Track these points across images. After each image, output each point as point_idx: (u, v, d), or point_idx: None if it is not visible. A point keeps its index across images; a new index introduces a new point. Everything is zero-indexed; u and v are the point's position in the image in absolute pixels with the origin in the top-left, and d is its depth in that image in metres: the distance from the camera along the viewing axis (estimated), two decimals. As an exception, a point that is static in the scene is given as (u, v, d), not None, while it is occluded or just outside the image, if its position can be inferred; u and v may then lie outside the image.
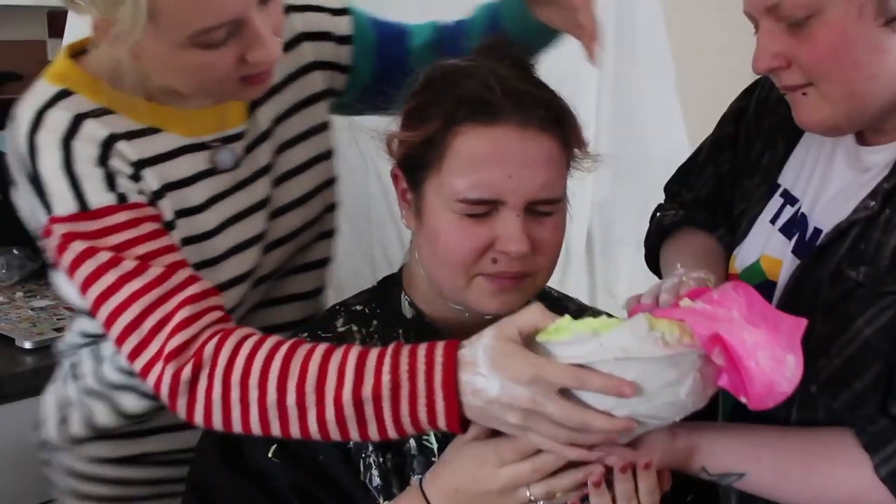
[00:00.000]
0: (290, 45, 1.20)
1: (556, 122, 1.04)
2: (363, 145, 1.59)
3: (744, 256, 1.14)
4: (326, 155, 1.28)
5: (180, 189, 1.12)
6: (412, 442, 1.08)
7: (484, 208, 1.02)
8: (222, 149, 1.15)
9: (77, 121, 1.04)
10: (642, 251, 2.14)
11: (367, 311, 1.16)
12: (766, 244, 1.12)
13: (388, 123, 1.11)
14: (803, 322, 0.88)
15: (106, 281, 1.00)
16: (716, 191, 1.27)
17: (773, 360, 0.86)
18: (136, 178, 1.07)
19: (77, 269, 1.02)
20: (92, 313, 1.03)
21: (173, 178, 1.11)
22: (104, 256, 1.01)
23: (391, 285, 1.18)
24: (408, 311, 1.14)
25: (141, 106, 1.08)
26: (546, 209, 1.04)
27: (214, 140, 1.15)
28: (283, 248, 1.25)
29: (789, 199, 1.12)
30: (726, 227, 1.24)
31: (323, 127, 1.27)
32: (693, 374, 0.88)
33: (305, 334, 1.13)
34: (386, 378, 0.92)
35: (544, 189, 1.03)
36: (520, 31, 1.24)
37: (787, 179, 1.14)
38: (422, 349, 0.93)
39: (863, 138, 1.05)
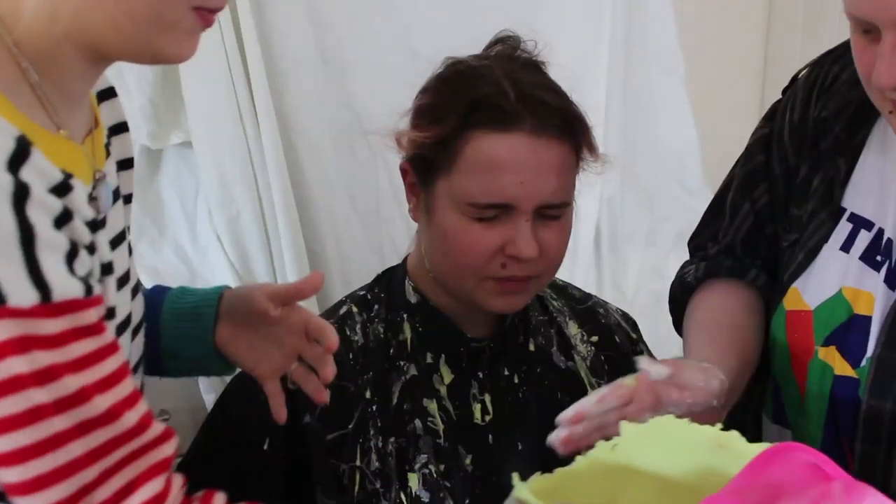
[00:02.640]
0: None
1: (569, 130, 1.06)
2: (372, 139, 1.60)
3: (816, 290, 1.05)
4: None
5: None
6: (417, 423, 1.09)
7: (494, 212, 1.03)
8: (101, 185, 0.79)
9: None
10: (650, 247, 2.15)
11: (369, 296, 1.18)
12: (845, 275, 1.03)
13: (397, 119, 1.11)
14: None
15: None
16: (755, 228, 1.15)
17: None
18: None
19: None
20: None
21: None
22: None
23: (396, 272, 1.19)
24: (412, 297, 1.15)
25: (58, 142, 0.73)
26: (555, 213, 1.05)
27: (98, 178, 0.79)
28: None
29: (862, 223, 1.04)
30: (758, 268, 1.15)
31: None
32: None
33: None
34: None
35: (555, 195, 1.04)
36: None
37: (853, 203, 1.05)
38: None
39: None
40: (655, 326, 1.90)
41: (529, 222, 1.03)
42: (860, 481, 0.72)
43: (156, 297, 1.00)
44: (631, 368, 1.21)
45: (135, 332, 0.86)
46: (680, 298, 1.19)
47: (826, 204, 1.06)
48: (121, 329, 0.80)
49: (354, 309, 1.16)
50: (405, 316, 1.14)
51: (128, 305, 0.83)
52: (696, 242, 1.23)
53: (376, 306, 1.16)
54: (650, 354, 1.26)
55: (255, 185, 1.53)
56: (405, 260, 1.19)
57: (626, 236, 2.02)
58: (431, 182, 1.07)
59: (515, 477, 0.81)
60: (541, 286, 1.11)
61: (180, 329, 0.98)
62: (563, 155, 1.05)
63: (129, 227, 0.87)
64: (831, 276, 1.04)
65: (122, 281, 0.81)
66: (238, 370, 1.15)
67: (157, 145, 1.57)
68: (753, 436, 1.04)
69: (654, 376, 0.94)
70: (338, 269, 1.63)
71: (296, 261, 1.54)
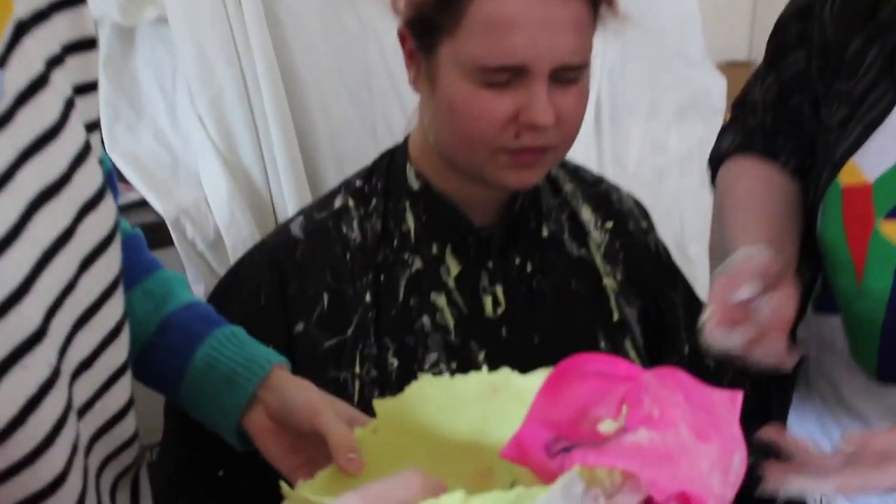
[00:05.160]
0: None
1: None
2: (361, 9, 1.49)
3: (876, 162, 1.00)
4: None
5: None
6: (425, 319, 1.02)
7: (505, 76, 0.93)
8: None
9: None
10: (651, 120, 2.07)
11: (366, 188, 1.08)
12: None
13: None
14: (738, 396, 0.70)
15: None
16: (779, 99, 1.14)
17: (723, 474, 0.67)
18: None
19: None
20: None
21: None
22: None
23: (395, 156, 1.10)
24: (414, 183, 1.06)
25: None
26: (572, 76, 0.95)
27: None
28: None
29: None
30: (790, 152, 1.13)
31: None
32: None
33: (301, 218, 1.06)
34: None
35: (573, 54, 0.93)
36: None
37: None
38: None
39: None
40: (658, 202, 1.85)
41: (545, 86, 0.93)
42: (661, 367, 0.69)
43: (194, 324, 0.87)
44: (644, 258, 1.15)
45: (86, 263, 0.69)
46: (715, 162, 1.21)
47: (887, 75, 0.99)
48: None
49: (351, 202, 1.07)
50: (407, 204, 1.06)
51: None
52: (741, 105, 1.21)
53: (374, 200, 1.07)
54: (662, 247, 1.19)
55: (238, 62, 1.42)
56: (406, 142, 1.10)
57: (627, 109, 1.94)
58: (434, 47, 0.97)
59: (284, 486, 0.71)
60: (557, 159, 1.02)
61: (206, 385, 0.84)
62: (580, 10, 0.94)
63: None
64: (893, 147, 0.98)
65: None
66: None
67: (130, 22, 1.45)
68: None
69: (748, 294, 0.90)
70: (329, 150, 1.53)
71: (284, 141, 1.45)
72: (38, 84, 0.63)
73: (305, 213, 1.08)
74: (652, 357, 1.12)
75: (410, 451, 0.77)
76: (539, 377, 0.73)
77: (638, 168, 1.97)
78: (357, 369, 1.00)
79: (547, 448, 0.66)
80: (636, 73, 1.91)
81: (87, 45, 0.70)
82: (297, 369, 1.00)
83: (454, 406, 0.78)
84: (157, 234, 1.44)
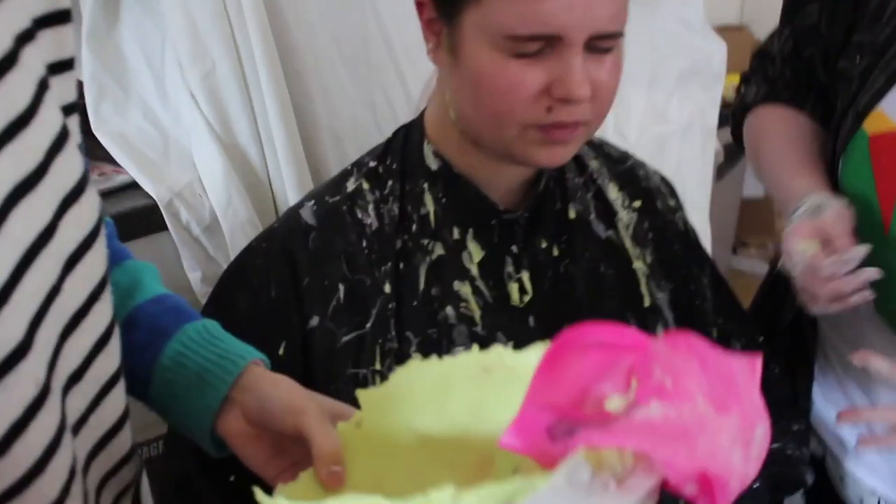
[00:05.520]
0: None
1: None
2: (357, -24, 1.42)
3: None
4: None
5: None
6: (449, 310, 0.96)
7: (537, 46, 0.85)
8: None
9: None
10: (652, 89, 2.02)
11: (381, 169, 1.01)
12: None
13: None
14: (758, 362, 0.64)
15: None
16: (794, 52, 1.17)
17: (745, 448, 0.60)
18: None
19: None
20: None
21: None
22: None
23: (410, 134, 1.02)
24: (433, 163, 0.99)
25: None
26: (607, 45, 0.88)
27: None
28: None
29: None
30: (814, 102, 1.16)
31: None
32: None
33: (312, 202, 0.99)
34: None
35: (611, 21, 0.86)
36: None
37: None
38: None
39: None
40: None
41: (580, 56, 0.86)
42: (674, 332, 0.62)
43: (162, 318, 0.78)
44: (673, 238, 1.10)
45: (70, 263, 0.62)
46: (739, 115, 1.24)
47: None
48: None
49: (365, 185, 1.00)
50: (426, 186, 0.99)
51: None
52: (760, 56, 1.24)
53: (390, 182, 1.00)
54: (690, 226, 1.14)
55: (231, 34, 1.34)
56: (421, 117, 1.03)
57: (629, 79, 1.88)
58: (456, 15, 0.89)
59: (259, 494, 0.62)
60: (588, 135, 0.96)
61: (176, 386, 0.76)
62: None
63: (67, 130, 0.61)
64: None
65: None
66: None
67: (114, -9, 1.37)
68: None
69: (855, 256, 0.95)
70: (327, 126, 1.46)
71: (282, 118, 1.37)
72: (5, 64, 0.55)
73: (316, 196, 1.01)
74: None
75: (399, 444, 0.70)
76: (536, 353, 0.67)
77: (639, 138, 1.92)
78: (378, 365, 0.94)
79: (549, 432, 0.59)
80: (636, 41, 1.85)
81: (60, 17, 0.61)
82: (313, 366, 0.94)
83: (445, 391, 0.70)
84: (149, 218, 1.36)
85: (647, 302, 1.04)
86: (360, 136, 1.49)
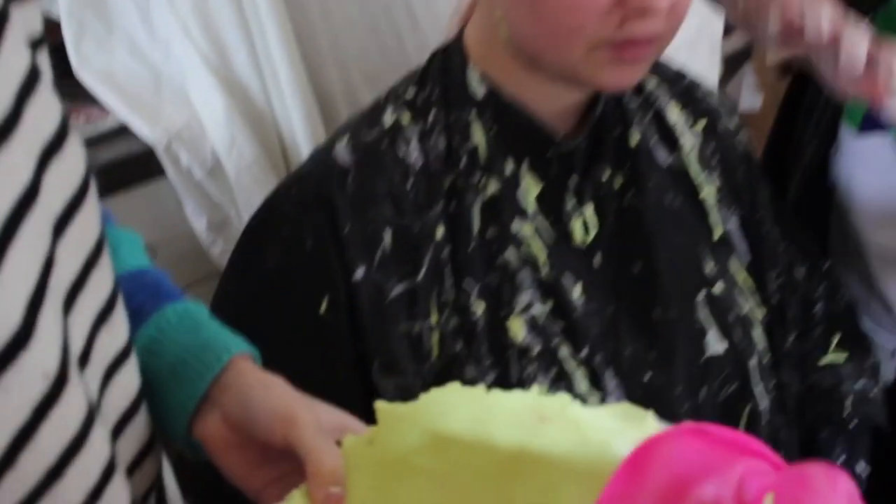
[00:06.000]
0: None
1: None
2: None
3: None
4: None
5: None
6: (509, 253, 0.86)
7: None
8: None
9: None
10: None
11: (420, 99, 0.90)
12: None
13: None
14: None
15: None
16: None
17: None
18: None
19: None
20: None
21: None
22: None
23: (450, 57, 0.91)
24: (478, 89, 0.89)
25: None
26: None
27: None
28: None
29: None
30: None
31: None
32: None
33: (345, 141, 0.88)
34: None
35: None
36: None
37: None
38: None
39: None
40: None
41: None
42: (800, 463, 0.50)
43: (138, 297, 0.65)
44: (737, 161, 1.01)
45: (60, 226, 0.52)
46: None
47: None
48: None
49: (405, 117, 0.89)
50: (473, 115, 0.89)
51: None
52: None
53: (432, 112, 0.89)
54: (752, 148, 1.05)
55: (224, -44, 1.21)
56: (460, 39, 0.92)
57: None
58: None
59: None
60: (658, 54, 0.86)
61: (150, 376, 0.63)
62: None
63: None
64: None
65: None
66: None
67: None
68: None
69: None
70: (330, 53, 1.34)
71: (284, 47, 1.24)
72: None
73: (350, 133, 0.90)
74: (756, 277, 0.98)
75: (414, 474, 0.58)
76: (610, 413, 0.57)
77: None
78: (434, 319, 0.85)
79: None
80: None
81: None
82: (361, 324, 0.84)
83: (483, 428, 0.58)
84: (146, 164, 1.25)
85: (717, 233, 0.96)
86: (365, 62, 1.37)
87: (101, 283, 0.55)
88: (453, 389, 0.59)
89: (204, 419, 0.62)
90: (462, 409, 0.58)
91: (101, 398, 0.56)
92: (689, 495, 0.47)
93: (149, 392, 0.63)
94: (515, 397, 0.59)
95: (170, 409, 0.63)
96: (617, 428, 0.56)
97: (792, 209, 1.08)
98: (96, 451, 0.51)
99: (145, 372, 0.63)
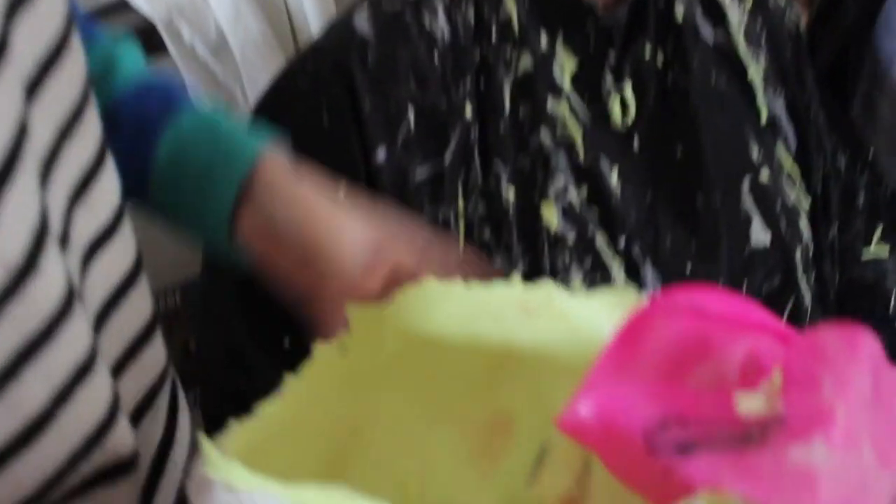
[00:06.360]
0: None
1: None
2: None
3: None
4: None
5: None
6: (543, 134, 0.81)
7: None
8: None
9: None
10: None
11: None
12: None
13: None
14: None
15: None
16: None
17: None
18: None
19: None
20: None
21: None
22: None
23: None
24: None
25: None
26: None
27: None
28: None
29: None
30: None
31: None
32: None
33: (366, 11, 0.82)
34: None
35: None
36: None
37: None
38: None
39: None
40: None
41: None
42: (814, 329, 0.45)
43: (150, 107, 0.62)
44: (786, 40, 0.95)
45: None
46: None
47: None
48: None
49: None
50: None
51: None
52: None
53: None
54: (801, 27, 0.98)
55: None
56: None
57: None
58: None
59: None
60: None
61: (180, 189, 0.61)
62: None
63: None
64: None
65: None
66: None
67: None
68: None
69: None
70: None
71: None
72: None
73: (370, 2, 0.83)
74: (801, 164, 0.93)
75: (393, 385, 0.54)
76: (599, 300, 0.52)
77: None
78: (460, 204, 0.80)
79: (646, 433, 0.41)
80: None
81: None
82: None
83: (466, 326, 0.54)
84: (146, 40, 1.17)
85: (764, 116, 0.90)
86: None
87: (81, 152, 0.50)
88: (430, 286, 0.54)
89: (242, 219, 0.60)
90: (441, 307, 0.54)
91: (106, 319, 0.52)
92: (702, 372, 0.44)
93: (182, 207, 0.61)
94: (497, 291, 0.54)
95: (208, 211, 0.60)
96: (608, 317, 0.50)
97: (829, 95, 1.02)
98: (74, 337, 0.46)
99: (173, 188, 0.61)
